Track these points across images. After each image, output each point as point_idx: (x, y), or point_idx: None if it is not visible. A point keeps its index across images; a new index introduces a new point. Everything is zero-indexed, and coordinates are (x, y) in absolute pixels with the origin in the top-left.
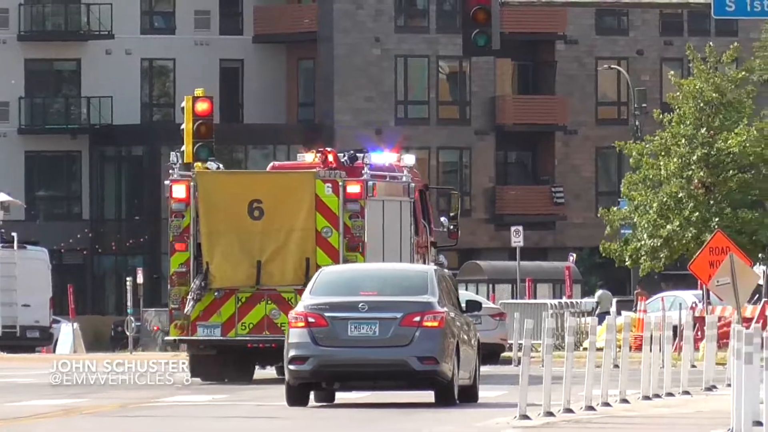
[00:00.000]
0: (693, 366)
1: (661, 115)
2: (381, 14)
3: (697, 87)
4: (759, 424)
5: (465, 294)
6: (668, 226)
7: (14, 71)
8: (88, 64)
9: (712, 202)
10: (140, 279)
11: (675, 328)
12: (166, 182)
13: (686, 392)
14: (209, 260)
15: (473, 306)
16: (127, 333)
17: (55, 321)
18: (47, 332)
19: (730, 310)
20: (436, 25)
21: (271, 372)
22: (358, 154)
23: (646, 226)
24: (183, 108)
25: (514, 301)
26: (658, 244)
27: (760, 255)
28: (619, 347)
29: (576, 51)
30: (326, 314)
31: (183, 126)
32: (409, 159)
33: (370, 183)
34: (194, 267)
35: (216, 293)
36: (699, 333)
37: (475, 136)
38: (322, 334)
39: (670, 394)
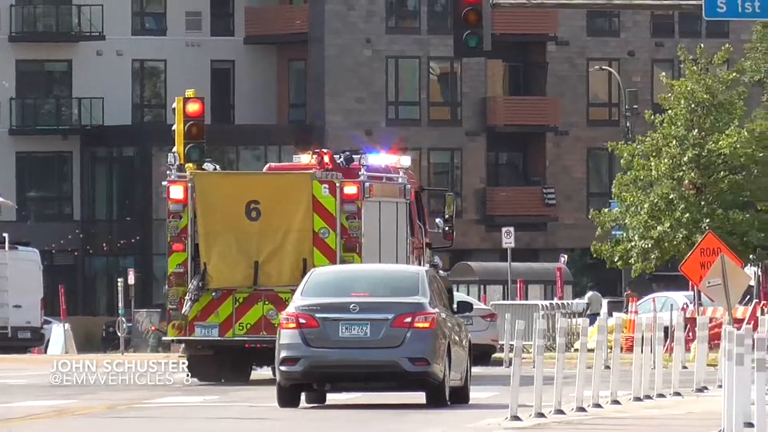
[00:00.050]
0: (684, 367)
1: (652, 116)
2: (372, 15)
3: (688, 88)
4: (750, 425)
5: (456, 295)
6: (659, 227)
7: (5, 72)
8: (79, 65)
9: (703, 203)
10: (131, 280)
11: (666, 329)
12: (164, 183)
13: (677, 393)
14: (207, 261)
15: (464, 307)
16: (119, 334)
17: (47, 322)
18: (38, 333)
19: (721, 311)
20: (427, 26)
21: (267, 372)
22: (354, 156)
23: (637, 227)
24: (174, 109)
25: (506, 302)
26: (649, 245)
27: (751, 256)
28: (610, 348)
29: (567, 52)
30: (317, 315)
31: (174, 127)
32: (405, 160)
33: (367, 184)
34: (192, 267)
35: (213, 294)
36: (690, 334)
37: (466, 137)
38: (314, 335)
39: (661, 396)
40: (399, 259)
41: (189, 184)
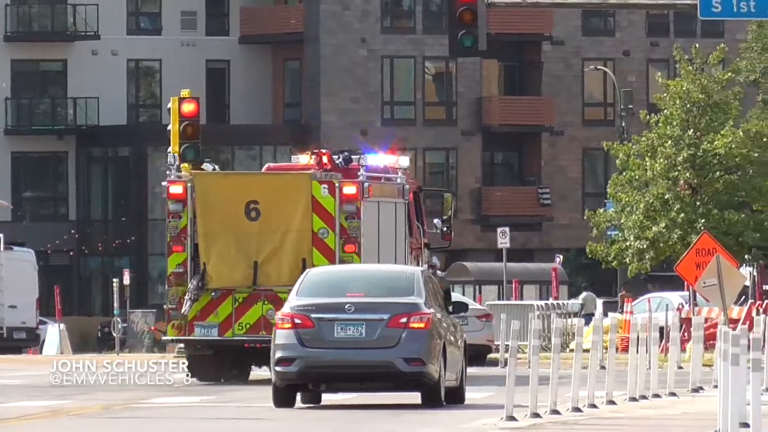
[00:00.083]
0: (680, 367)
1: (647, 116)
2: (367, 15)
3: (683, 88)
4: (746, 425)
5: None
6: (654, 228)
7: (0, 72)
8: (75, 65)
9: (698, 203)
10: (126, 280)
11: (661, 329)
12: (163, 183)
13: (673, 394)
14: (206, 261)
15: (460, 307)
16: (114, 334)
17: (42, 322)
18: (34, 333)
19: (717, 311)
20: (423, 26)
21: (266, 372)
22: (353, 156)
23: (632, 227)
24: (169, 109)
25: (501, 302)
26: (645, 245)
27: (746, 256)
28: (606, 348)
29: (562, 52)
30: (312, 315)
31: (169, 127)
32: (404, 161)
33: (366, 184)
34: (191, 267)
35: (213, 293)
36: (685, 334)
37: (461, 137)
38: (309, 336)
39: (656, 396)
40: (398, 259)
41: (188, 184)
